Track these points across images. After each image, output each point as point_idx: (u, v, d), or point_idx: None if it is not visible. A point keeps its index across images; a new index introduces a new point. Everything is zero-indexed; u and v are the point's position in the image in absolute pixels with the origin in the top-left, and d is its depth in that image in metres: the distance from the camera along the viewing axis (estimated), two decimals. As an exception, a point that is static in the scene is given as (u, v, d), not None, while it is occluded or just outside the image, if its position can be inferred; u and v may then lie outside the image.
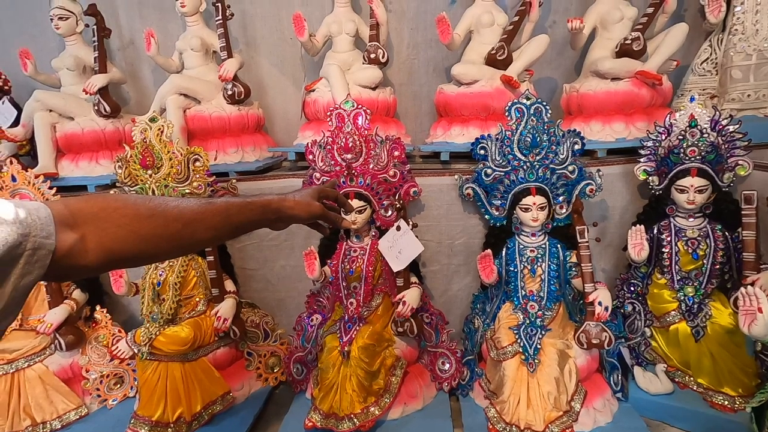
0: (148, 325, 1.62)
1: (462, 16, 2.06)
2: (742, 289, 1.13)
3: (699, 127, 1.51)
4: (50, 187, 1.79)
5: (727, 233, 1.52)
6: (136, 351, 1.58)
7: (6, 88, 2.33)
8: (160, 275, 1.64)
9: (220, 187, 1.72)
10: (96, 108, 2.05)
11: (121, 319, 1.97)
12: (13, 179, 1.78)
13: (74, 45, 2.13)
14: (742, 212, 1.44)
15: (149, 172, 1.62)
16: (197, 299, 1.69)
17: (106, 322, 1.82)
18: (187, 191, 1.63)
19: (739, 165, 1.51)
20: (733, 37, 1.96)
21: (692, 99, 1.57)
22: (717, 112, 1.53)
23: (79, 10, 2.10)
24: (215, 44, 2.06)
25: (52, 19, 2.07)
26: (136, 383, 1.76)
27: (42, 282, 1.68)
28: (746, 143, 1.52)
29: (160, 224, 0.59)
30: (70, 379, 1.76)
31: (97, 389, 1.76)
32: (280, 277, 1.98)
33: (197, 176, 1.64)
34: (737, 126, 1.51)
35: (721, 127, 1.52)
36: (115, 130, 2.12)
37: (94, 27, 2.08)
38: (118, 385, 1.81)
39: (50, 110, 2.06)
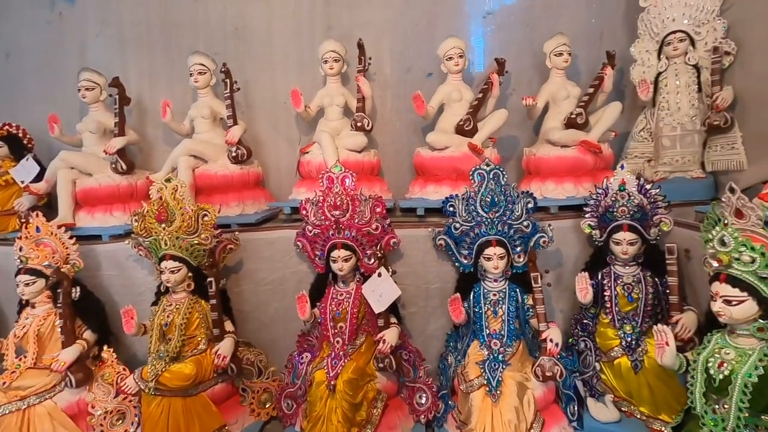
0: (154, 362, 1.80)
1: (436, 90, 2.43)
2: (655, 326, 1.39)
3: (627, 190, 1.83)
4: (70, 237, 2.01)
5: (656, 279, 1.80)
6: (143, 387, 1.75)
7: (30, 146, 2.61)
8: (168, 317, 1.85)
9: (224, 239, 1.96)
10: (114, 166, 2.31)
11: (124, 358, 2.13)
12: (38, 230, 2.00)
13: (97, 111, 2.42)
14: (667, 262, 1.73)
15: (163, 225, 1.86)
16: (199, 339, 1.89)
17: (112, 361, 1.99)
18: (196, 242, 1.87)
19: (662, 222, 1.81)
20: (661, 112, 2.34)
21: (622, 167, 1.90)
22: (642, 179, 1.86)
23: (103, 82, 2.42)
24: (222, 112, 2.38)
25: (79, 90, 2.38)
26: (137, 419, 1.90)
27: (57, 322, 1.88)
28: (667, 204, 1.83)
29: None
30: (77, 415, 1.90)
31: (101, 425, 1.89)
32: (274, 318, 2.19)
33: (205, 229, 1.88)
34: (658, 190, 1.83)
35: (645, 190, 1.83)
36: (129, 185, 2.37)
37: (116, 96, 2.39)
38: (120, 421, 1.94)
39: (72, 168, 2.31)
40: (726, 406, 1.18)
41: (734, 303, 1.15)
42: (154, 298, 1.98)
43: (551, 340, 1.68)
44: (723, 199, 1.21)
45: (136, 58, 2.73)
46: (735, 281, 1.15)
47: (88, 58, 2.74)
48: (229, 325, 1.93)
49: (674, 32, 2.28)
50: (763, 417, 1.13)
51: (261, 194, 2.46)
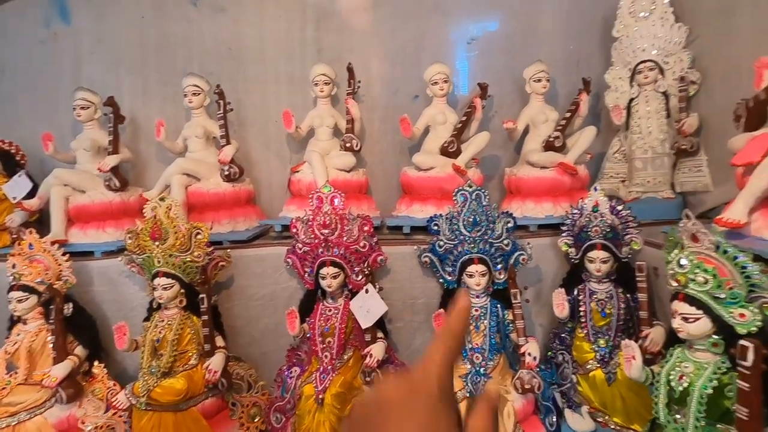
0: (145, 377, 1.84)
1: (422, 113, 2.54)
2: (623, 342, 1.49)
3: (600, 211, 1.94)
4: (63, 254, 2.05)
5: (628, 295, 1.91)
6: (134, 402, 1.79)
7: (22, 162, 2.64)
8: (160, 333, 1.89)
9: (217, 256, 2.03)
10: (107, 183, 2.36)
11: (114, 374, 2.16)
12: (31, 247, 2.04)
13: (92, 129, 2.47)
14: (637, 279, 1.84)
15: (156, 243, 1.92)
16: (190, 354, 1.93)
17: (103, 377, 2.02)
18: (189, 259, 1.93)
19: (633, 241, 1.93)
20: (634, 135, 2.48)
21: (596, 189, 2.02)
22: (614, 200, 1.98)
23: (98, 101, 2.47)
24: (216, 132, 2.45)
25: (74, 108, 2.43)
26: (126, 434, 1.94)
27: (49, 338, 1.91)
28: (637, 224, 1.95)
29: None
30: (67, 430, 1.92)
31: (91, 440, 1.92)
32: (264, 333, 2.24)
33: (198, 247, 1.94)
34: (629, 211, 1.95)
35: (617, 212, 1.95)
36: (122, 202, 2.42)
37: (111, 114, 2.45)
38: (110, 437, 1.97)
39: (65, 185, 2.35)
40: (685, 416, 1.27)
41: (691, 320, 1.26)
42: (146, 314, 2.03)
43: (529, 354, 1.77)
44: (680, 225, 1.33)
45: (130, 77, 2.79)
46: (691, 300, 1.26)
47: (82, 76, 2.79)
48: (219, 341, 1.98)
49: (644, 61, 2.44)
50: (718, 425, 1.23)
51: (252, 211, 2.53)
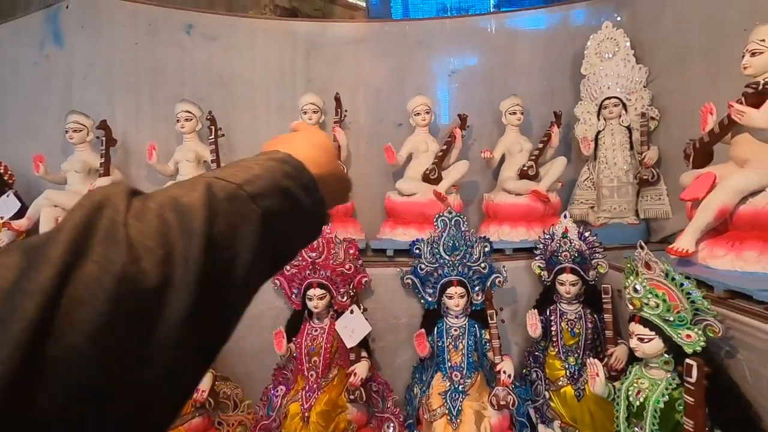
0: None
1: (405, 141, 2.69)
2: (588, 360, 1.62)
3: (569, 237, 2.10)
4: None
5: (595, 315, 2.05)
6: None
7: (10, 182, 2.66)
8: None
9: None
10: None
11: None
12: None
13: (83, 151, 2.53)
14: (603, 300, 1.99)
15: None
16: (178, 374, 1.98)
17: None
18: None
19: (599, 265, 2.08)
20: (601, 165, 2.67)
21: (566, 216, 2.18)
22: (582, 227, 2.14)
23: (90, 124, 2.54)
24: (207, 156, 2.54)
25: (67, 131, 2.49)
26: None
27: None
28: (603, 249, 2.11)
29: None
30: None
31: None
32: (251, 352, 2.29)
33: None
34: (595, 237, 2.11)
35: (584, 237, 2.11)
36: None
37: (103, 138, 2.51)
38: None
39: (56, 206, 2.39)
40: (642, 429, 1.40)
41: (646, 340, 1.40)
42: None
43: (504, 372, 1.89)
44: (636, 254, 1.48)
45: (123, 101, 2.86)
46: (645, 322, 1.40)
47: (74, 99, 2.85)
48: (207, 360, 2.03)
49: (610, 98, 2.65)
50: (671, 437, 1.36)
51: (240, 233, 2.60)
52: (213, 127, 2.50)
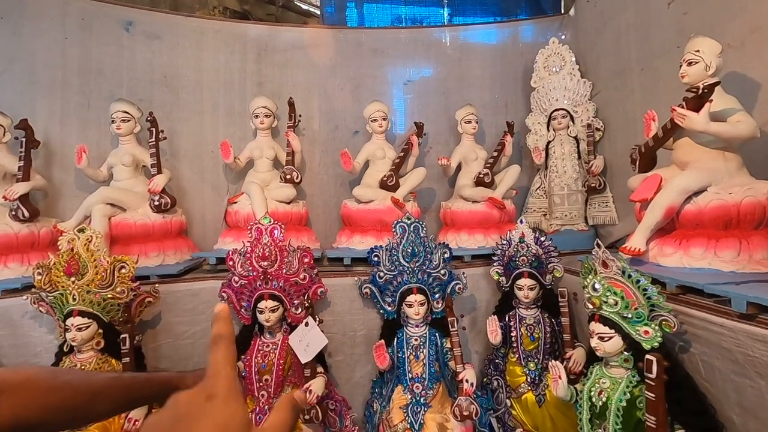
0: None
1: (362, 148, 2.63)
2: (550, 362, 1.60)
3: (526, 242, 2.11)
4: (-48, 293, 1.79)
5: (553, 320, 2.06)
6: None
7: None
8: (71, 380, 1.69)
9: (143, 291, 1.88)
10: (14, 213, 2.12)
11: None
12: None
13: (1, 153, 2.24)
14: (559, 304, 2.00)
15: (72, 278, 1.75)
16: (107, 402, 1.74)
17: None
18: (110, 296, 1.77)
19: (555, 269, 2.11)
20: (552, 174, 2.76)
21: (522, 221, 2.19)
22: (538, 232, 2.16)
23: (8, 124, 2.26)
24: (146, 160, 2.33)
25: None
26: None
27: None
28: (558, 254, 2.14)
29: (69, 397, 0.60)
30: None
31: None
32: (194, 374, 2.08)
33: (121, 282, 1.80)
34: (551, 242, 2.14)
35: (540, 242, 2.13)
36: (30, 234, 2.18)
37: (23, 138, 2.24)
38: None
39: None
40: (605, 429, 1.38)
41: (606, 339, 1.39)
42: (54, 359, 1.81)
43: (467, 381, 1.82)
44: (593, 253, 1.49)
45: (46, 99, 2.57)
46: (605, 320, 1.40)
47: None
48: (142, 385, 1.81)
49: (558, 110, 2.76)
50: (633, 436, 1.35)
51: (183, 244, 2.40)
52: (154, 129, 2.30)
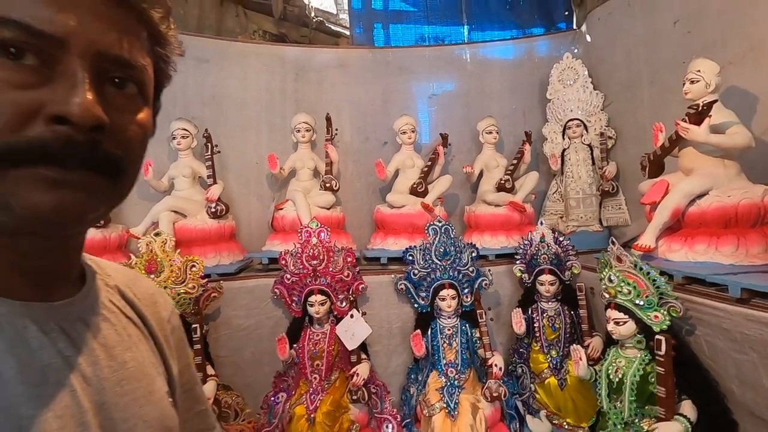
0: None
1: (392, 158, 2.88)
2: (572, 346, 1.82)
3: (546, 241, 2.33)
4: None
5: (572, 312, 2.27)
6: None
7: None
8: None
9: (210, 287, 2.15)
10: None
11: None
12: None
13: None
14: (578, 297, 2.21)
15: (152, 276, 2.02)
16: (182, 383, 2.00)
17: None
18: (182, 291, 2.04)
19: (573, 266, 2.32)
20: (568, 179, 2.97)
21: (542, 223, 2.41)
22: (557, 232, 2.38)
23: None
24: (202, 172, 2.62)
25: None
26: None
27: None
28: (575, 252, 2.35)
29: None
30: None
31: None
32: (249, 362, 2.34)
33: (192, 279, 2.06)
34: (569, 242, 2.36)
35: (559, 242, 2.35)
36: (103, 239, 2.47)
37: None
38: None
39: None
40: (622, 402, 1.59)
41: (621, 323, 1.61)
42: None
43: (495, 365, 2.05)
44: (608, 249, 1.71)
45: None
46: (620, 307, 1.61)
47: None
48: (210, 369, 2.07)
49: (572, 119, 2.97)
50: (646, 407, 1.56)
51: (235, 246, 2.67)
52: (209, 144, 2.59)
